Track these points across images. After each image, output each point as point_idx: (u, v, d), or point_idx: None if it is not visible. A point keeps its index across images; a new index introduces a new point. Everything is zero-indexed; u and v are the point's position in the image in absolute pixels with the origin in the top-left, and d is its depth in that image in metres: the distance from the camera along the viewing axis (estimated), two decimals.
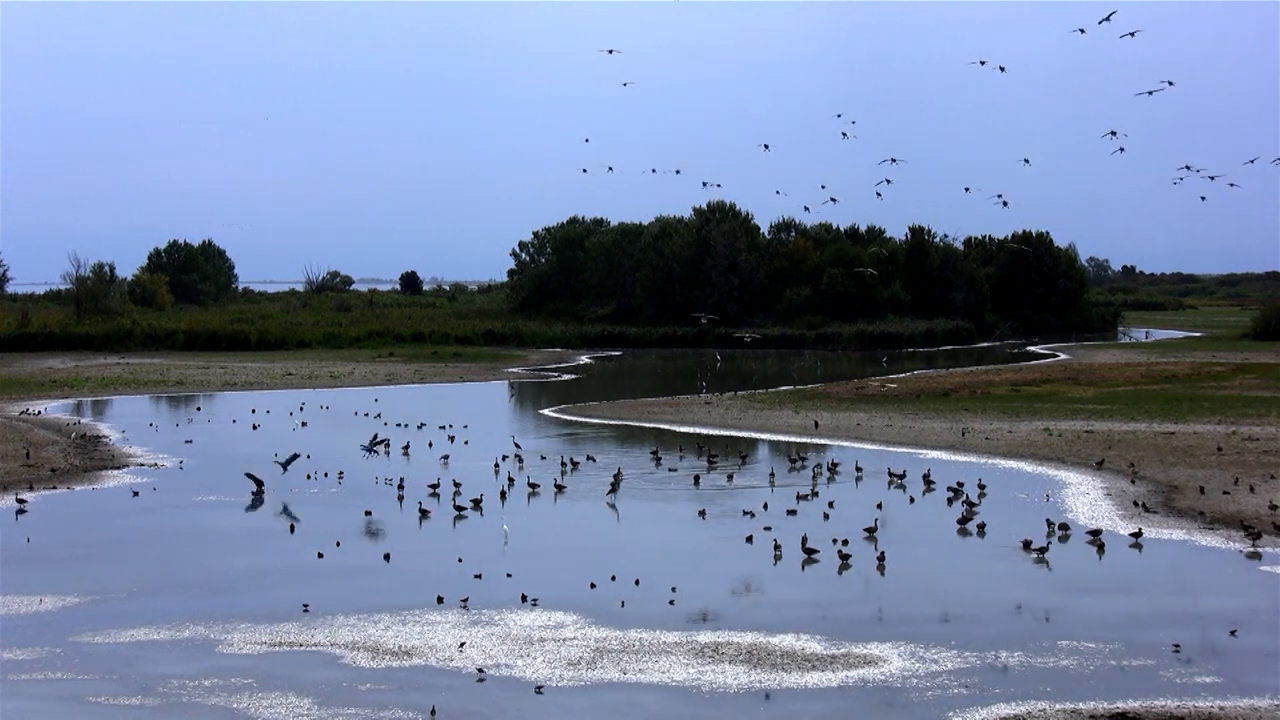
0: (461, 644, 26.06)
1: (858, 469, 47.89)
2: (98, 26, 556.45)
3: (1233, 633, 26.93)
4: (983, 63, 39.98)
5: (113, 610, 28.94)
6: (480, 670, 24.49)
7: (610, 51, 54.89)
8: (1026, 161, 50.33)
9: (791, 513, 39.85)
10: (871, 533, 36.39)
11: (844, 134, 65.87)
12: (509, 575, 31.81)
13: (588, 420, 66.55)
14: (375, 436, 52.17)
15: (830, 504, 41.19)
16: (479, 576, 31.62)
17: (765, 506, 40.56)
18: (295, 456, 45.13)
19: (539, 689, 23.47)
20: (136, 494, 44.00)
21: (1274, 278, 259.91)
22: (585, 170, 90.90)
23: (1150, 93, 41.99)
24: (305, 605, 29.09)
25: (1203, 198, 58.92)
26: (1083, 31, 46.74)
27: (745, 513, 39.75)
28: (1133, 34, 47.71)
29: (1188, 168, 59.07)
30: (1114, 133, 52.25)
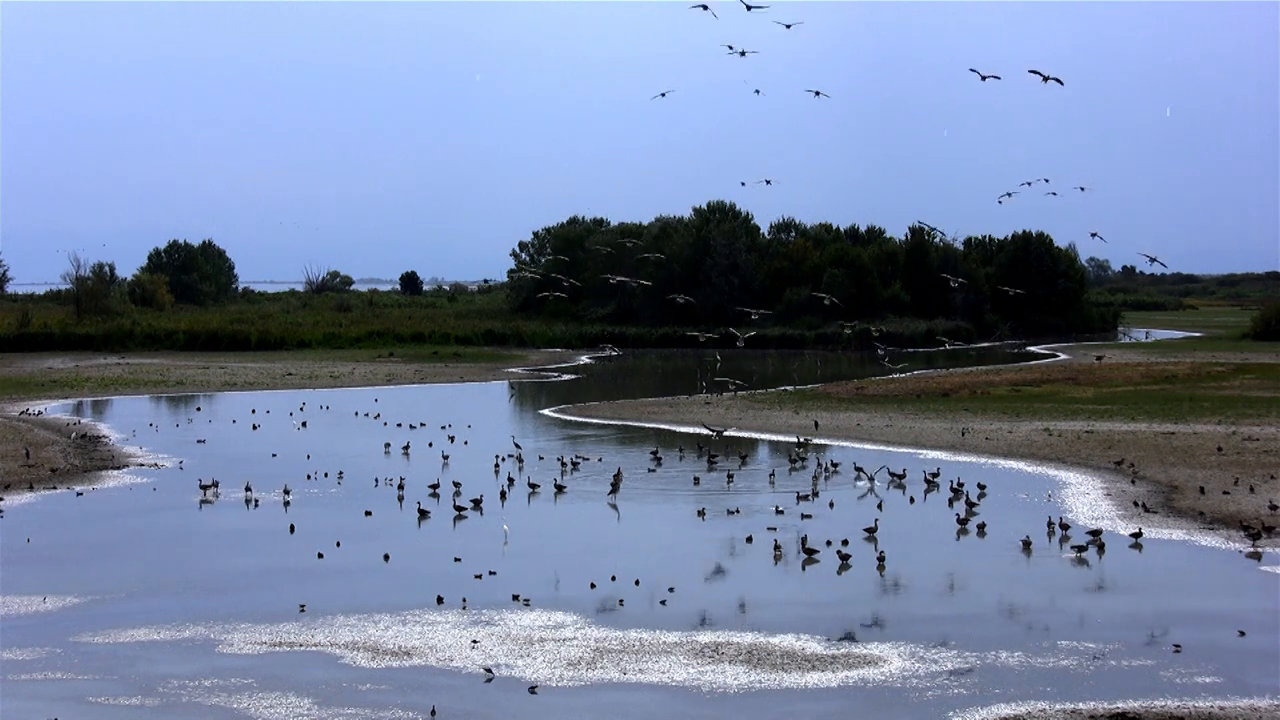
0: (462, 644, 26.06)
1: (857, 469, 47.85)
2: (98, 26, 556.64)
3: (1234, 633, 26.93)
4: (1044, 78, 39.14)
5: (113, 610, 28.93)
6: (480, 670, 24.48)
7: (663, 94, 55.14)
8: (1098, 235, 50.03)
9: (780, 511, 39.86)
10: (871, 533, 36.39)
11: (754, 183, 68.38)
12: (508, 575, 31.82)
13: (588, 420, 66.54)
14: None
15: (830, 504, 41.22)
16: (479, 577, 31.62)
17: (778, 510, 40.56)
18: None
19: (539, 689, 23.46)
20: (132, 491, 44.03)
21: (1274, 278, 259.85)
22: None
23: (983, 77, 41.29)
24: (304, 605, 29.09)
25: (1000, 201, 63.16)
26: (742, 52, 47.10)
27: (729, 511, 39.90)
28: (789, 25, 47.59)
29: (1009, 194, 65.56)
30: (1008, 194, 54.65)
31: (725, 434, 55.97)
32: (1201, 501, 40.72)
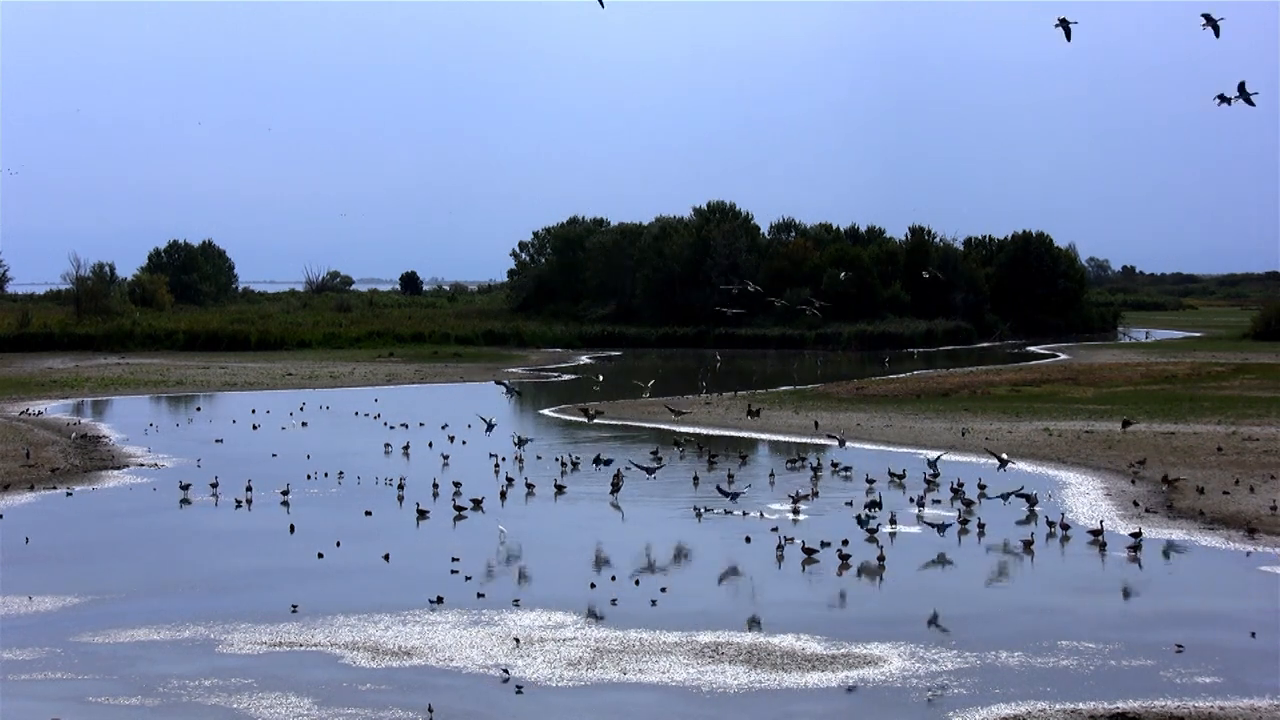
0: (461, 644, 26.06)
1: (846, 471, 47.75)
2: (98, 26, 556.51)
3: (1235, 633, 26.92)
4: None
5: (113, 610, 28.93)
6: (480, 670, 24.48)
7: None
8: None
9: (770, 515, 39.86)
10: (872, 533, 36.36)
11: None
12: (508, 576, 31.85)
13: (588, 420, 66.41)
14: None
15: (848, 503, 41.18)
16: (475, 577, 31.62)
17: (761, 515, 40.53)
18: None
19: (539, 689, 23.45)
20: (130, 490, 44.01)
21: (1274, 278, 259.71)
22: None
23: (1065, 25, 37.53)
24: (304, 605, 29.06)
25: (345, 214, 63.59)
26: None
27: (725, 511, 39.88)
28: None
29: None
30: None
31: (846, 442, 49.16)
32: (1201, 501, 40.72)
